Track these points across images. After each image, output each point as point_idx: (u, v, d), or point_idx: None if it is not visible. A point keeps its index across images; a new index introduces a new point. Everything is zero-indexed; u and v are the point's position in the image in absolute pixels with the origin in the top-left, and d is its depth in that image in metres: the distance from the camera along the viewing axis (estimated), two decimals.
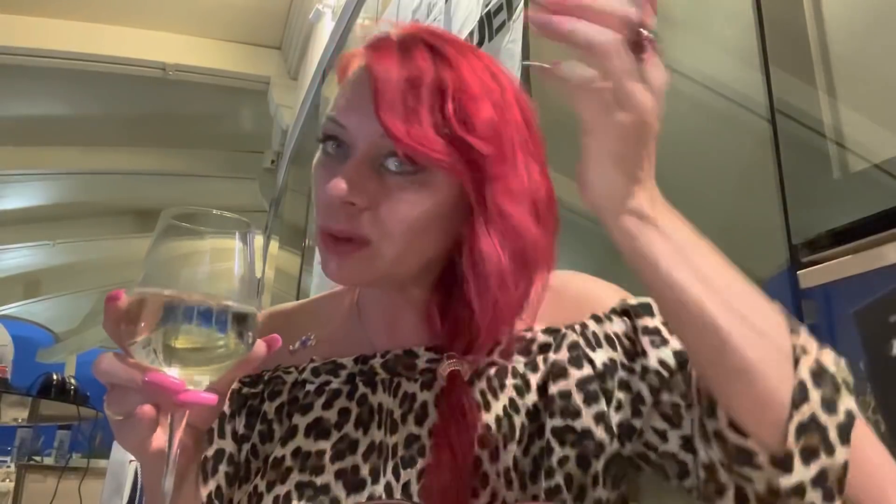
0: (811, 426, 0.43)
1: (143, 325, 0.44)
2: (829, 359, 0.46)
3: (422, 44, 0.56)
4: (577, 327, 0.59)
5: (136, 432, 0.47)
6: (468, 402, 0.56)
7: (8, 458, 4.03)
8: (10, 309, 7.46)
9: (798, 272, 0.78)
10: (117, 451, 2.90)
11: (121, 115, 4.71)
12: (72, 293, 7.60)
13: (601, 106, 0.42)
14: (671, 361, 0.56)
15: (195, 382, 0.45)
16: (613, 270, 0.65)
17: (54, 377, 3.53)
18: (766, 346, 0.44)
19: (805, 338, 0.46)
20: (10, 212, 5.66)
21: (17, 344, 3.64)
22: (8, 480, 3.54)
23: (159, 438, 0.49)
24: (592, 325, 0.59)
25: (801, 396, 0.43)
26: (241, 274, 0.46)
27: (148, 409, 0.46)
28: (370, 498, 0.55)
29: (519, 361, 0.59)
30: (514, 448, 0.56)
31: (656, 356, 0.56)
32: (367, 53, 0.57)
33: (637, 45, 0.41)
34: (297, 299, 0.90)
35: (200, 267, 0.46)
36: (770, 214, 0.83)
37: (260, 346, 0.49)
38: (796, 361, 0.44)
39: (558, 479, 0.53)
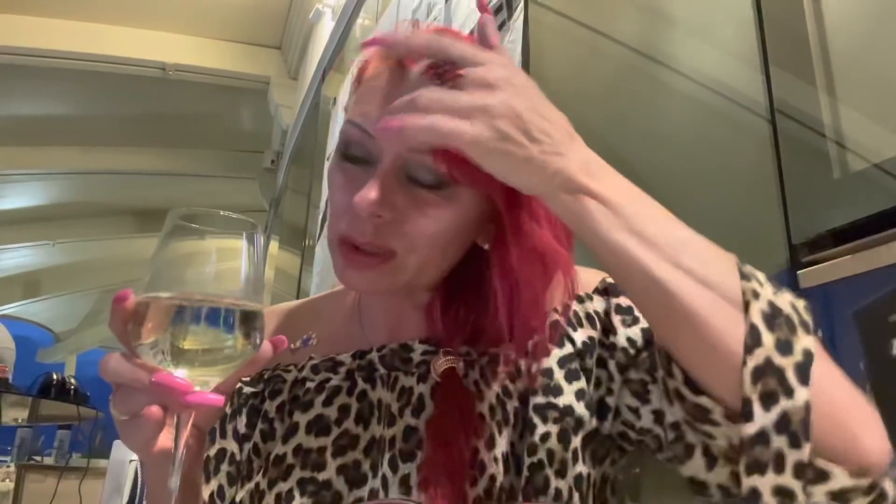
0: (767, 370, 0.42)
1: (150, 325, 0.44)
2: (785, 301, 0.45)
3: None
4: (559, 307, 0.60)
5: (141, 432, 0.47)
6: (463, 398, 0.57)
7: (8, 458, 4.03)
8: (10, 309, 7.46)
9: (798, 272, 0.78)
10: (117, 450, 2.90)
11: (121, 115, 4.72)
12: (72, 293, 7.60)
13: (461, 132, 0.43)
14: (639, 339, 0.57)
15: (202, 383, 0.46)
16: None
17: (54, 377, 3.53)
18: (712, 295, 0.44)
19: (758, 283, 0.45)
20: (10, 211, 5.66)
21: (17, 344, 3.64)
22: (8, 480, 3.54)
23: (164, 439, 0.49)
24: (574, 305, 0.60)
25: (753, 341, 0.42)
26: (247, 274, 0.46)
27: (155, 409, 0.46)
28: (372, 492, 0.55)
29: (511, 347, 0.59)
30: (508, 433, 0.56)
31: (625, 334, 0.57)
32: (395, 60, 0.56)
33: (443, 72, 0.47)
34: (297, 299, 0.90)
35: (207, 267, 0.46)
36: (770, 214, 0.83)
37: (266, 347, 0.49)
38: (747, 306, 0.44)
39: (541, 454, 0.54)
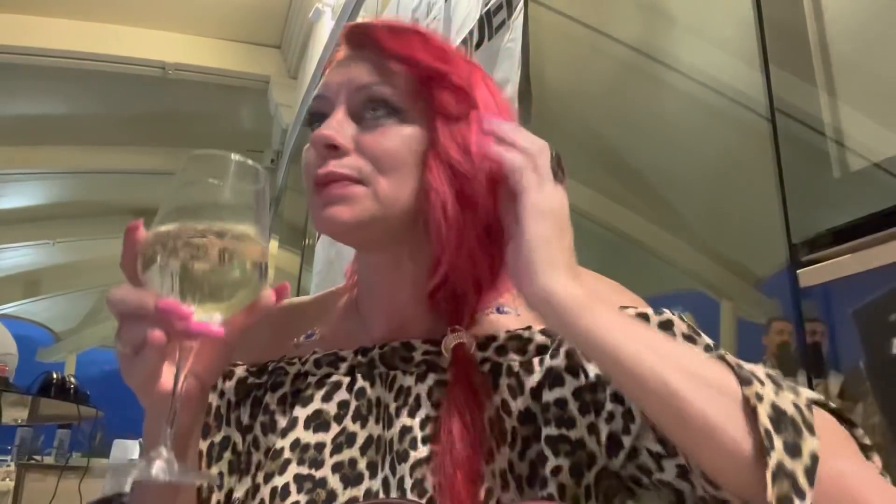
0: (780, 473, 0.43)
1: (159, 256, 0.45)
2: (787, 401, 0.46)
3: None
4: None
5: (144, 365, 0.46)
6: (475, 373, 0.56)
7: (8, 458, 4.02)
8: (10, 308, 7.46)
9: (798, 271, 0.78)
10: (117, 449, 2.90)
11: (120, 115, 4.71)
12: (71, 292, 7.60)
13: (531, 189, 0.50)
14: None
15: (207, 317, 0.47)
16: (611, 269, 0.65)
17: (54, 376, 3.52)
18: (725, 402, 0.45)
19: (758, 383, 0.46)
20: (10, 211, 5.66)
21: (17, 343, 3.64)
22: (8, 479, 3.54)
23: (166, 377, 0.48)
24: None
25: (768, 444, 0.43)
26: (256, 216, 0.48)
27: (158, 335, 0.45)
28: (368, 492, 0.55)
29: (514, 360, 0.58)
30: (506, 451, 0.55)
31: None
32: (356, 43, 0.62)
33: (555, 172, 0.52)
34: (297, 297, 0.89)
35: (219, 206, 0.47)
36: (770, 213, 0.83)
37: (268, 294, 0.50)
38: (755, 410, 0.44)
39: (551, 488, 0.52)
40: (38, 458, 3.81)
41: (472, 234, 0.56)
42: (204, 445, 0.63)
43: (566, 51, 1.40)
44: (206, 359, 0.52)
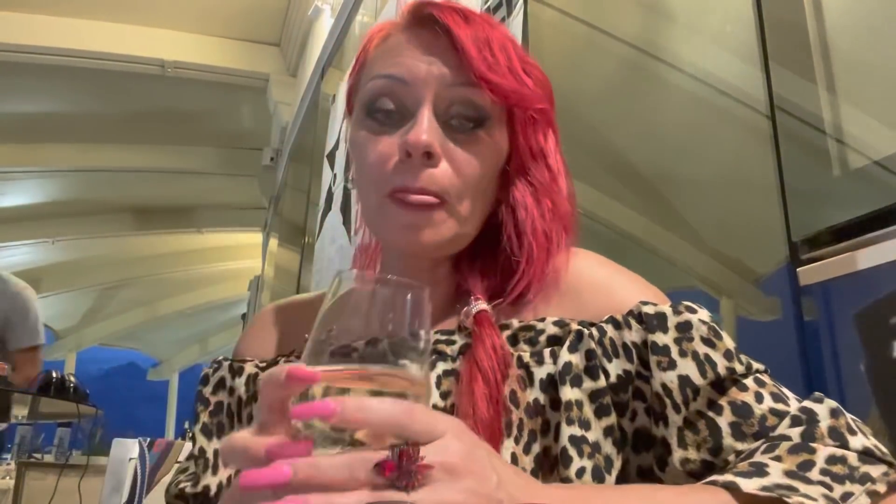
0: None
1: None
2: None
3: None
4: (595, 333, 0.55)
5: None
6: (497, 335, 0.55)
7: (8, 456, 4.03)
8: None
9: (798, 269, 0.78)
10: (117, 448, 2.90)
11: (119, 112, 4.71)
12: (71, 291, 7.59)
13: None
14: (675, 388, 0.52)
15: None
16: None
17: (54, 375, 3.52)
18: None
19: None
20: (9, 209, 5.65)
21: None
22: (8, 478, 3.54)
23: None
24: (610, 332, 0.55)
25: None
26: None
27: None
28: None
29: (525, 351, 0.57)
30: (511, 444, 0.54)
31: (660, 380, 0.52)
32: (421, 18, 0.58)
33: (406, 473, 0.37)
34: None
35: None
36: (770, 211, 0.83)
37: None
38: None
39: None
40: (38, 456, 3.82)
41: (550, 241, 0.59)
42: (219, 444, 0.62)
43: (565, 48, 1.40)
44: None
